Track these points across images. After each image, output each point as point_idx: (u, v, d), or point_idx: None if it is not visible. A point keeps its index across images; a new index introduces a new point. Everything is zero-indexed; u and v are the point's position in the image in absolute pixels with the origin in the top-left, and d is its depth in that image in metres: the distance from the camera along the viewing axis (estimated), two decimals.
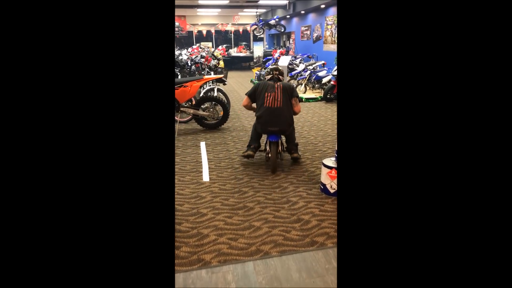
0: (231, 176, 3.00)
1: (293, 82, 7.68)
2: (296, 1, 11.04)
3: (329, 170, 2.52)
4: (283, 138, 3.39)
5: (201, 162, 3.38)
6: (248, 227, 2.14)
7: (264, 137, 3.58)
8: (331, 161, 2.60)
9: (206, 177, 2.99)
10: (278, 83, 3.09)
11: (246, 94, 3.22)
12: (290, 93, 3.05)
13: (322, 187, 2.62)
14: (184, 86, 4.22)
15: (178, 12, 14.62)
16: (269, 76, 3.23)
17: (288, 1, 11.36)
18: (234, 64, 14.86)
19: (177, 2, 11.22)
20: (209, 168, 3.21)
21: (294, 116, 3.15)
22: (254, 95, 3.13)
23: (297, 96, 3.12)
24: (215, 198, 2.56)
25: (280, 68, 3.29)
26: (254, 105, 3.20)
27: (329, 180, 2.54)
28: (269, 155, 3.08)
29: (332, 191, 2.55)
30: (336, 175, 2.50)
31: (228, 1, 11.26)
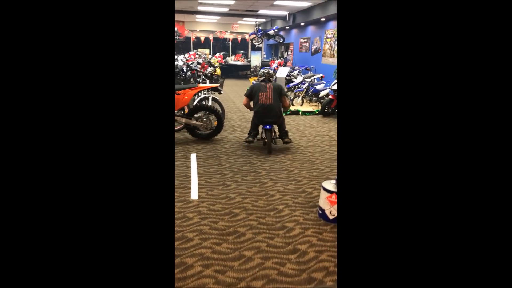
0: (222, 195, 2.77)
1: (290, 94, 7.54)
2: (296, 12, 11.04)
3: (329, 194, 2.31)
4: (276, 127, 4.15)
5: (190, 176, 3.15)
6: (238, 257, 1.91)
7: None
8: (331, 185, 2.40)
9: (194, 194, 2.75)
10: (269, 84, 3.95)
11: (244, 95, 4.10)
12: (279, 92, 3.94)
13: (320, 212, 2.41)
14: (177, 94, 4.00)
15: (177, 17, 14.51)
16: (262, 78, 4.16)
17: (288, 13, 11.36)
18: (231, 72, 14.74)
19: (176, 7, 11.10)
20: (199, 184, 2.98)
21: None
22: (251, 95, 4.00)
23: (286, 94, 4.11)
24: (203, 220, 2.32)
25: (270, 71, 4.28)
26: (251, 103, 4.08)
27: (329, 206, 2.33)
28: (265, 140, 4.00)
29: (331, 217, 2.34)
30: (336, 200, 2.29)
31: (228, 9, 11.19)
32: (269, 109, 3.80)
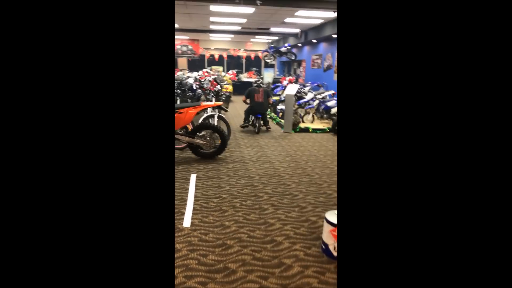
0: (217, 222, 2.54)
1: (301, 111, 7.34)
2: (307, 30, 11.01)
3: (332, 227, 2.04)
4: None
5: (186, 200, 2.95)
6: None
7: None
8: (335, 216, 2.12)
9: (187, 221, 2.54)
10: (261, 88, 6.16)
11: (244, 95, 6.27)
12: (267, 94, 6.18)
13: (323, 246, 2.13)
14: (179, 113, 3.89)
15: (192, 36, 14.86)
16: (255, 85, 6.30)
17: (299, 30, 11.35)
18: (243, 88, 14.76)
19: (191, 26, 11.35)
20: (194, 209, 2.77)
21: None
22: (248, 96, 6.17)
23: (271, 96, 6.49)
24: (192, 253, 2.10)
25: (261, 80, 6.79)
26: (248, 100, 6.19)
27: (333, 240, 2.05)
28: (257, 124, 6.10)
29: (335, 253, 2.05)
30: None
31: (240, 28, 11.31)
32: (260, 105, 6.09)
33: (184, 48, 16.61)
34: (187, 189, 3.23)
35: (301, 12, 7.86)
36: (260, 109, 6.06)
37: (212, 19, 9.32)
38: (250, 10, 7.67)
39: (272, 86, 11.61)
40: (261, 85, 6.33)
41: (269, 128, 6.30)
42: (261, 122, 6.16)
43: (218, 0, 6.08)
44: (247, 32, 12.31)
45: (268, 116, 6.71)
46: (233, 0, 6.10)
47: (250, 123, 6.27)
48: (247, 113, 6.25)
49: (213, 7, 7.34)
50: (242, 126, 6.26)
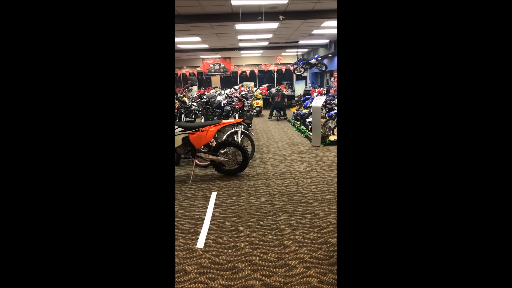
0: (230, 243, 2.48)
1: (331, 123, 7.09)
2: (337, 40, 10.78)
3: None
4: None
5: (203, 219, 2.94)
6: None
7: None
8: None
9: (201, 242, 2.52)
10: (279, 93, 10.36)
11: (270, 98, 10.64)
12: (284, 96, 10.44)
13: None
14: (201, 131, 3.96)
15: (223, 54, 15.40)
16: (275, 91, 10.79)
17: (329, 40, 11.16)
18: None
19: (221, 45, 11.78)
20: (209, 228, 2.75)
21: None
22: (272, 98, 10.54)
23: (286, 97, 11.12)
24: (200, 276, 2.05)
25: (281, 90, 11.41)
26: (271, 100, 10.48)
27: None
28: (277, 116, 10.28)
29: None
30: None
31: (267, 43, 11.46)
32: (278, 103, 10.15)
33: (217, 67, 17.24)
34: (206, 207, 3.23)
35: (327, 23, 7.74)
36: (279, 105, 10.21)
37: (239, 37, 9.58)
38: (274, 25, 7.75)
39: (302, 98, 11.49)
40: (281, 91, 10.81)
41: (286, 117, 10.29)
42: (280, 113, 10.20)
43: (241, 19, 6.23)
44: (275, 46, 12.43)
45: (296, 129, 7.46)
46: (255, 17, 6.21)
47: (274, 115, 10.27)
48: (272, 109, 10.44)
49: (238, 26, 7.54)
50: (269, 118, 10.37)
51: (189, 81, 17.89)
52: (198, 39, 9.67)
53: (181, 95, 10.13)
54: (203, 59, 16.96)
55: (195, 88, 15.78)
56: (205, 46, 11.75)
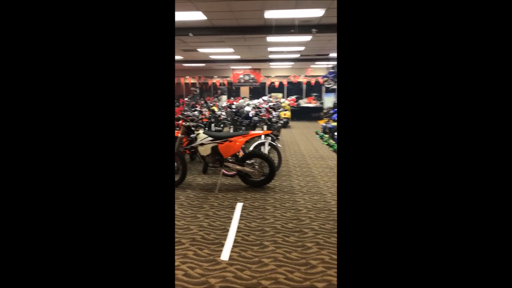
0: (255, 258, 2.43)
1: None
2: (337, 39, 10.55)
3: None
4: None
5: (228, 231, 2.92)
6: None
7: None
8: None
9: (225, 254, 2.49)
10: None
11: None
12: None
13: None
14: (230, 141, 3.99)
15: (253, 65, 15.64)
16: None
17: None
18: (303, 114, 14.71)
19: (251, 57, 11.98)
20: (234, 241, 2.72)
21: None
22: None
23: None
24: None
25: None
26: None
27: None
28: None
29: None
30: None
31: (299, 55, 11.48)
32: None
33: (246, 77, 17.51)
34: (231, 218, 3.21)
35: None
36: None
37: (270, 49, 9.68)
38: (307, 38, 7.74)
39: (331, 112, 11.28)
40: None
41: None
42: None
43: (274, 32, 6.30)
44: (306, 59, 12.41)
45: (325, 142, 7.42)
46: (287, 30, 6.25)
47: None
48: None
49: (270, 38, 7.63)
50: None
51: (218, 91, 18.31)
52: (231, 50, 9.91)
53: (211, 104, 10.36)
54: (233, 69, 17.33)
55: (224, 97, 16.11)
56: (236, 57, 12.01)
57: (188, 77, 18.05)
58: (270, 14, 5.42)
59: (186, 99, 14.94)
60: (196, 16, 5.52)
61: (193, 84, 18.72)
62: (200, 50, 9.88)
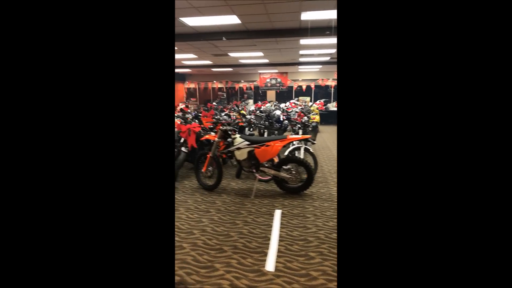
0: (302, 270, 2.29)
1: None
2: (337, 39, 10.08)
3: None
4: None
5: (269, 239, 2.81)
6: None
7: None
8: None
9: (270, 264, 2.38)
10: None
11: None
12: None
13: None
14: (266, 145, 3.90)
15: (281, 69, 15.55)
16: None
17: None
18: (331, 118, 14.37)
19: (281, 60, 11.90)
20: (278, 250, 2.60)
21: None
22: None
23: None
24: None
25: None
26: None
27: None
28: None
29: None
30: None
31: (329, 58, 11.23)
32: None
33: (273, 81, 17.46)
34: (271, 226, 3.09)
35: None
36: None
37: (301, 52, 9.54)
38: None
39: None
40: None
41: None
42: None
43: (309, 34, 6.17)
44: (335, 62, 12.13)
45: None
46: (323, 31, 6.09)
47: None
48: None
49: (303, 41, 7.50)
50: None
51: (245, 95, 18.40)
52: (260, 54, 9.88)
53: (240, 108, 10.37)
54: (260, 73, 17.34)
55: (250, 101, 16.14)
56: (265, 61, 11.98)
57: (215, 81, 18.31)
58: (307, 16, 5.30)
59: (214, 103, 15.13)
60: (230, 20, 5.52)
61: (220, 89, 18.96)
62: (231, 54, 9.95)
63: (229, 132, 4.15)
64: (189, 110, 9.08)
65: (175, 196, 4.06)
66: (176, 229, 3.05)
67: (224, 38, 6.50)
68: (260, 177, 4.49)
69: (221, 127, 4.16)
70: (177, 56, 10.18)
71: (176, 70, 16.11)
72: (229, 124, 4.25)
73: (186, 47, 8.55)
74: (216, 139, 4.17)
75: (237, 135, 4.11)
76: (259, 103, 13.29)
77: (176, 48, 8.53)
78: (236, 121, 4.98)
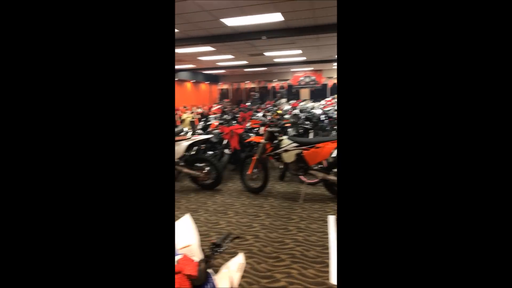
0: None
1: None
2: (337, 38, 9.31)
3: None
4: None
5: (327, 247, 2.63)
6: None
7: None
8: None
9: (334, 277, 2.21)
10: None
11: None
12: None
13: None
14: (316, 147, 3.71)
15: (316, 66, 15.18)
16: None
17: None
18: None
19: (317, 58, 11.59)
20: None
21: None
22: None
23: None
24: None
25: None
26: None
27: None
28: None
29: None
30: None
31: None
32: None
33: (307, 79, 17.10)
34: (327, 233, 2.92)
35: None
36: None
37: None
38: None
39: None
40: None
41: None
42: None
43: None
44: None
45: None
46: None
47: None
48: None
49: None
50: None
51: (278, 94, 18.22)
52: (298, 51, 9.67)
53: (276, 108, 10.22)
54: (293, 72, 17.07)
55: (283, 101, 15.94)
56: (301, 58, 11.72)
57: (248, 81, 18.35)
58: None
59: (247, 103, 15.15)
60: (273, 18, 5.40)
61: (252, 89, 18.97)
62: (266, 53, 9.84)
63: (276, 134, 4.02)
64: (225, 111, 9.13)
65: (221, 199, 4.03)
66: None
67: (264, 37, 6.40)
68: (307, 180, 4.31)
69: (268, 129, 4.05)
70: (212, 57, 10.29)
71: (211, 72, 16.37)
72: (276, 125, 4.11)
73: (224, 48, 8.58)
74: (263, 140, 4.06)
75: (284, 137, 3.98)
76: (295, 102, 13.04)
77: (213, 49, 8.60)
78: (283, 122, 4.84)
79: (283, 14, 5.22)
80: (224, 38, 6.79)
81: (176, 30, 6.19)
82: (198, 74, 16.10)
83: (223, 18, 5.41)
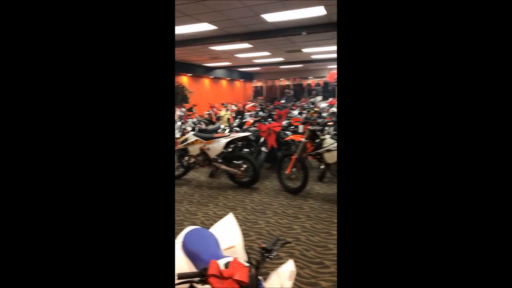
0: None
1: None
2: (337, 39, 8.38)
3: None
4: None
5: None
6: None
7: None
8: None
9: None
10: None
11: None
12: None
13: None
14: None
15: (332, 65, 14.57)
16: None
17: None
18: None
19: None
20: None
21: None
22: None
23: None
24: None
25: None
26: None
27: None
28: None
29: None
30: None
31: None
32: None
33: None
34: None
35: None
36: None
37: None
38: None
39: None
40: None
41: None
42: None
43: None
44: None
45: None
46: None
47: None
48: None
49: None
50: None
51: (313, 92, 17.80)
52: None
53: (313, 106, 9.95)
54: (330, 69, 16.56)
55: (319, 98, 15.50)
56: None
57: (282, 79, 18.16)
58: None
59: (282, 101, 14.97)
60: (316, 12, 5.20)
61: (286, 86, 18.73)
62: (304, 50, 9.61)
63: (317, 133, 3.86)
64: (258, 109, 9.06)
65: (259, 197, 3.96)
66: (268, 235, 2.91)
67: (304, 33, 6.21)
68: None
69: (309, 127, 3.90)
70: (249, 54, 10.27)
71: (245, 69, 16.43)
72: (317, 124, 3.95)
73: (262, 45, 8.50)
74: (303, 139, 3.92)
75: (327, 136, 3.80)
76: (332, 99, 12.63)
77: (251, 46, 8.56)
78: (325, 120, 4.65)
79: (326, 7, 5.00)
80: (263, 35, 6.70)
81: (214, 27, 6.22)
82: (233, 72, 16.24)
83: (263, 13, 5.32)
